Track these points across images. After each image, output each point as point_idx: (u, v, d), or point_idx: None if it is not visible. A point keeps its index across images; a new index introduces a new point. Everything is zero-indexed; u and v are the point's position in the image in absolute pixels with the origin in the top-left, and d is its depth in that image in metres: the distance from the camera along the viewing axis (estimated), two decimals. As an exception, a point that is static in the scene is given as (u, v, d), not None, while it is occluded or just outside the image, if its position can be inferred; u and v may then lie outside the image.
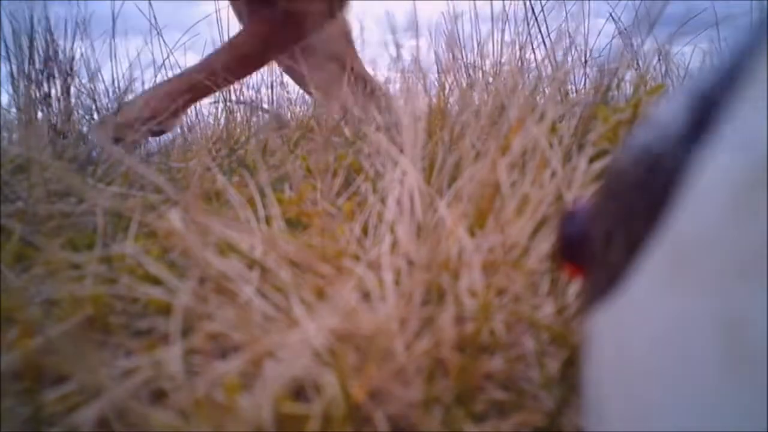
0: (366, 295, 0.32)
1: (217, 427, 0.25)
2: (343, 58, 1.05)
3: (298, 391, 0.27)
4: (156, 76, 1.18)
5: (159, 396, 0.28)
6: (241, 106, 1.26)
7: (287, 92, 1.28)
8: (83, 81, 1.19)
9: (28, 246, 0.42)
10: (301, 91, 1.28)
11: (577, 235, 0.20)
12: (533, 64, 0.89)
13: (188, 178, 0.63)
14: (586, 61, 0.99)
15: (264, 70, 1.30)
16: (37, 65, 1.17)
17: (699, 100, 0.15)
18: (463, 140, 0.51)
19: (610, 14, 0.97)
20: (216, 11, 1.21)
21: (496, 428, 0.26)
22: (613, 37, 0.97)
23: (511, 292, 0.33)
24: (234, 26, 1.38)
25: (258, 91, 1.31)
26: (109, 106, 1.14)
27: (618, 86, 0.64)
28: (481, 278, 0.33)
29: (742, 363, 0.13)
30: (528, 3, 1.02)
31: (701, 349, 0.13)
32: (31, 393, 0.27)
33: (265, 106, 1.28)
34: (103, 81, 1.21)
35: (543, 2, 1.03)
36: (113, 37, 1.25)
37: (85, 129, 0.97)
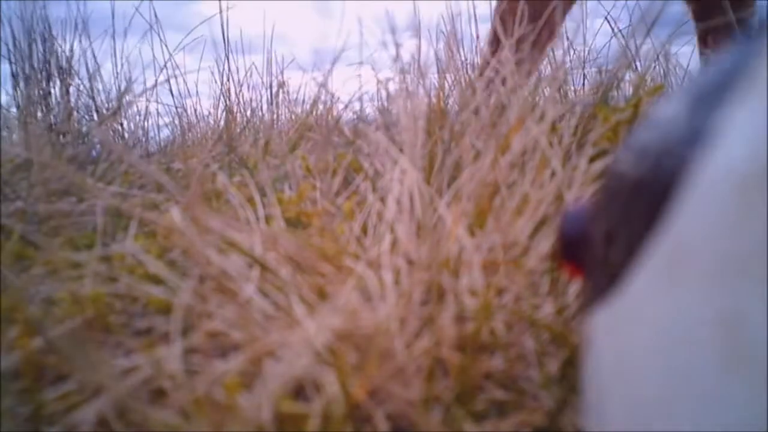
0: (366, 295, 0.32)
1: (217, 426, 0.25)
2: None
3: (298, 391, 0.27)
4: (156, 77, 1.18)
5: (159, 395, 0.28)
6: (241, 106, 1.26)
7: (287, 92, 1.28)
8: (83, 81, 1.19)
9: (28, 245, 0.42)
10: (301, 91, 1.27)
11: (577, 235, 0.20)
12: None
13: (188, 178, 0.63)
14: (585, 62, 0.99)
15: (264, 71, 1.30)
16: (37, 65, 1.17)
17: (699, 101, 0.15)
18: (463, 140, 0.51)
19: (606, 16, 0.97)
20: (219, 12, 1.21)
21: (496, 428, 0.27)
22: (611, 38, 0.97)
23: (511, 291, 0.33)
24: (234, 27, 1.38)
25: (258, 91, 1.30)
26: (109, 105, 1.14)
27: (618, 86, 0.64)
28: (481, 278, 0.33)
29: (742, 362, 0.13)
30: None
31: (701, 349, 0.13)
32: (31, 392, 0.27)
33: (265, 106, 1.28)
34: (103, 81, 1.21)
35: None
36: (113, 37, 1.25)
37: (84, 128, 0.97)
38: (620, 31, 0.92)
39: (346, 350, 0.28)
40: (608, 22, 0.95)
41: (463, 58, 0.87)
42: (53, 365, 0.29)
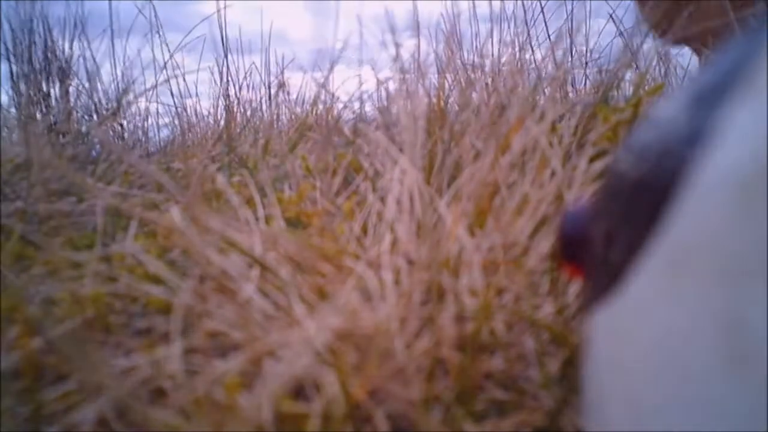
0: (366, 295, 0.32)
1: (217, 426, 0.25)
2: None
3: (298, 390, 0.27)
4: (156, 77, 1.18)
5: (159, 395, 0.28)
6: (241, 106, 1.26)
7: (287, 92, 1.28)
8: (82, 81, 1.19)
9: (28, 245, 0.42)
10: (302, 91, 1.27)
11: (577, 235, 0.20)
12: (533, 65, 0.89)
13: (188, 178, 0.63)
14: (587, 62, 0.99)
15: (262, 70, 1.30)
16: (37, 65, 1.17)
17: (699, 101, 0.15)
18: (463, 139, 0.51)
19: (611, 15, 0.97)
20: (216, 11, 1.21)
21: (496, 427, 0.27)
22: (613, 38, 0.97)
23: (511, 291, 0.33)
24: (234, 26, 1.38)
25: (257, 90, 1.30)
26: (109, 105, 1.14)
27: (618, 86, 0.64)
28: (481, 278, 0.33)
29: (743, 363, 0.13)
30: (528, 2, 1.02)
31: (701, 350, 0.13)
32: (31, 392, 0.27)
33: (265, 106, 1.28)
34: (102, 81, 1.20)
35: (543, 2, 1.03)
36: (112, 37, 1.24)
37: (84, 128, 0.97)
38: (622, 31, 0.92)
39: (346, 350, 0.28)
40: (613, 20, 0.95)
41: (463, 58, 0.87)
42: (53, 365, 0.29)
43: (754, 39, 0.15)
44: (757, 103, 0.13)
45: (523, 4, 1.00)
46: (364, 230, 0.44)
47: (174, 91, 1.25)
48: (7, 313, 0.31)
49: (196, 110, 1.32)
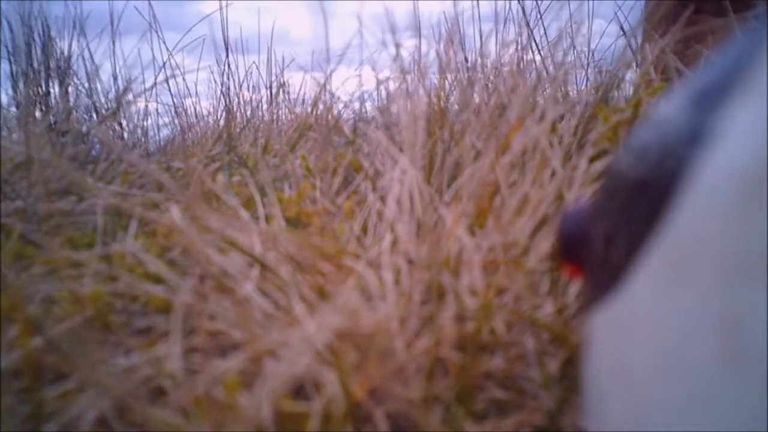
0: (366, 294, 0.32)
1: (217, 425, 0.25)
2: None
3: (298, 390, 0.27)
4: (156, 76, 1.18)
5: (159, 394, 0.28)
6: (241, 106, 1.26)
7: (287, 92, 1.28)
8: (82, 81, 1.19)
9: (28, 244, 0.42)
10: (302, 91, 1.27)
11: (577, 235, 0.20)
12: (533, 65, 0.89)
13: (188, 177, 0.63)
14: (588, 63, 0.99)
15: (264, 70, 1.30)
16: (37, 65, 1.17)
17: (699, 100, 0.15)
18: (463, 139, 0.51)
19: (614, 16, 0.97)
20: (218, 10, 1.21)
21: (496, 427, 0.27)
22: (614, 39, 0.97)
23: (511, 291, 0.33)
24: (234, 26, 1.37)
25: (257, 90, 1.30)
26: (108, 105, 1.14)
27: (618, 86, 0.64)
28: (482, 277, 0.33)
29: (742, 363, 0.13)
30: (528, 3, 1.02)
31: (701, 349, 0.13)
32: (31, 391, 0.27)
33: (265, 106, 1.28)
34: (101, 81, 1.20)
35: (542, 2, 1.02)
36: (112, 36, 1.24)
37: (84, 128, 0.96)
38: (621, 29, 0.92)
39: (346, 349, 0.28)
40: (606, 20, 0.95)
41: (463, 58, 0.87)
42: (53, 364, 0.29)
43: (754, 39, 0.15)
44: (757, 103, 0.13)
45: (523, 5, 1.00)
46: (364, 230, 0.44)
47: (174, 91, 1.25)
48: (7, 312, 0.31)
49: (195, 110, 1.32)
